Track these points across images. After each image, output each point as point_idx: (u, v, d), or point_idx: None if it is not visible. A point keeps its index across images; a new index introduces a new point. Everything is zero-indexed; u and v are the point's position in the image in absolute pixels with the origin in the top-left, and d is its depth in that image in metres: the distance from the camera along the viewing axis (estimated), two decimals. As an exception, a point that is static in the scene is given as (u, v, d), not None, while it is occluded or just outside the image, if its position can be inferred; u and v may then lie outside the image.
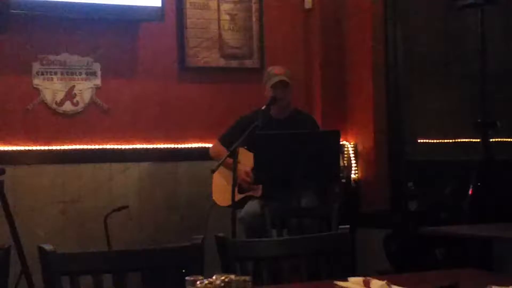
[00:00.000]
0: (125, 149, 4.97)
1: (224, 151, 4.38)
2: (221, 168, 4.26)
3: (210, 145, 4.81)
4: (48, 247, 2.01)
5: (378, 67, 5.23)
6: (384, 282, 1.91)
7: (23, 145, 4.73)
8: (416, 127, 5.34)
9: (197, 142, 5.16)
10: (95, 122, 4.93)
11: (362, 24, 5.30)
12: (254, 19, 5.37)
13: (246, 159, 4.28)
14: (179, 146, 5.13)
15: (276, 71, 4.53)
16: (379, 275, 2.11)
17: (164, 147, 5.09)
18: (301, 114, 4.68)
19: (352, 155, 5.33)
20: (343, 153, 5.25)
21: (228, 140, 4.39)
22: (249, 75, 5.32)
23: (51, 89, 4.83)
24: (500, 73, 4.78)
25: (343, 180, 5.17)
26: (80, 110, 4.91)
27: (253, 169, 4.21)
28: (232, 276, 1.60)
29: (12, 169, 4.65)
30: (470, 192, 4.11)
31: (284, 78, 4.49)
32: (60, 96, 4.85)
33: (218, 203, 4.51)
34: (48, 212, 4.75)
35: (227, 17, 5.30)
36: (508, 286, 1.81)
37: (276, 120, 4.53)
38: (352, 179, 5.30)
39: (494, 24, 4.68)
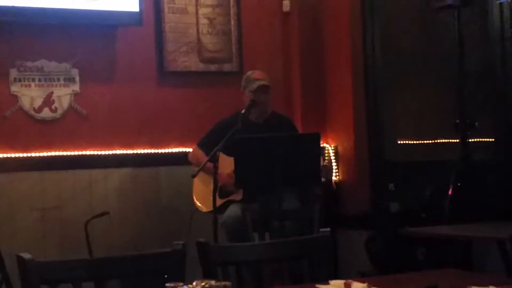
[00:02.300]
0: (105, 155, 4.95)
1: (203, 156, 4.38)
2: (201, 174, 4.25)
3: (190, 150, 4.80)
4: (26, 255, 1.99)
5: (357, 69, 5.25)
6: (365, 285, 1.91)
7: (1, 153, 4.69)
8: (396, 129, 5.36)
9: (177, 146, 5.14)
10: (74, 128, 4.90)
11: (340, 27, 5.32)
12: (232, 23, 5.37)
13: (225, 164, 4.28)
14: (159, 151, 5.11)
15: (256, 76, 4.54)
16: (361, 277, 2.12)
17: (144, 152, 5.07)
18: (279, 117, 4.69)
19: (332, 157, 5.34)
20: (323, 155, 5.26)
21: (207, 145, 4.38)
22: (228, 79, 5.31)
23: (29, 95, 4.80)
24: (478, 74, 4.81)
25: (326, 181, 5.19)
26: (58, 116, 4.87)
27: (234, 173, 4.21)
28: (212, 282, 1.59)
29: (-9, 177, 4.63)
30: (450, 192, 4.13)
31: (266, 83, 4.50)
32: (38, 102, 4.82)
33: (200, 208, 4.51)
34: (28, 219, 4.71)
35: (206, 21, 5.29)
36: (487, 285, 1.82)
37: (254, 124, 4.53)
38: (333, 181, 5.31)
39: (471, 24, 4.71)
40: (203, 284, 1.57)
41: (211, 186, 4.04)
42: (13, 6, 4.60)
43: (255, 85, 4.48)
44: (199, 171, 4.21)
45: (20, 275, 2.00)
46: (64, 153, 4.85)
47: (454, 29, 4.35)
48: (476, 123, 4.27)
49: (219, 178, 4.21)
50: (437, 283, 1.75)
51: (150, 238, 4.90)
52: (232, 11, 5.36)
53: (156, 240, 4.85)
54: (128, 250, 4.67)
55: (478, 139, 4.64)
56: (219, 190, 4.27)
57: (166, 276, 2.08)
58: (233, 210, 4.29)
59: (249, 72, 4.65)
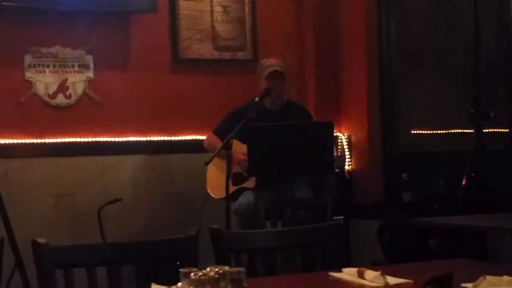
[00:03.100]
0: (118, 142, 4.96)
1: (218, 142, 4.38)
2: (215, 160, 4.25)
3: (204, 137, 4.81)
4: (41, 240, 2.00)
5: (372, 58, 5.23)
6: (378, 273, 1.91)
7: (15, 138, 4.71)
8: (409, 118, 5.34)
9: (191, 134, 5.15)
10: (88, 115, 4.92)
11: (355, 16, 5.29)
12: (247, 10, 5.35)
13: (238, 151, 4.28)
14: (173, 138, 5.12)
15: (270, 63, 4.55)
16: (373, 266, 2.12)
17: (157, 140, 5.07)
18: (295, 105, 4.69)
19: (346, 147, 5.33)
20: (337, 144, 5.26)
21: (222, 132, 4.39)
22: (242, 67, 5.31)
23: (44, 81, 4.81)
24: (493, 64, 4.78)
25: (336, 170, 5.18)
26: (73, 102, 4.89)
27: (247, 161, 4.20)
28: (226, 268, 1.60)
29: (5, 162, 4.65)
30: (463, 182, 4.12)
31: (279, 68, 4.50)
32: (52, 88, 4.83)
33: (212, 195, 4.51)
34: (41, 205, 4.74)
35: (220, 8, 5.28)
36: (501, 275, 1.81)
37: (269, 111, 4.53)
38: (346, 170, 5.30)
39: (487, 13, 4.68)
40: (217, 270, 1.57)
41: (225, 173, 4.04)
42: (28, -8, 4.61)
43: (268, 71, 4.48)
44: (212, 157, 4.21)
45: (35, 260, 2.01)
46: (78, 140, 4.86)
47: (469, 19, 4.31)
48: (491, 113, 4.24)
49: (234, 160, 4.20)
50: (451, 272, 1.74)
51: (163, 225, 4.92)
52: (247, -2, 5.34)
53: (169, 226, 4.86)
54: (141, 236, 4.69)
55: (492, 130, 4.61)
56: (233, 177, 4.27)
57: (178, 262, 2.09)
58: (246, 198, 4.30)
59: (264, 60, 4.67)
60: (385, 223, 4.83)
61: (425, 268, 2.15)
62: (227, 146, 4.02)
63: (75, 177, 4.84)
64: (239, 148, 4.26)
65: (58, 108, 4.85)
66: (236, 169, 4.38)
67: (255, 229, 3.33)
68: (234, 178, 4.34)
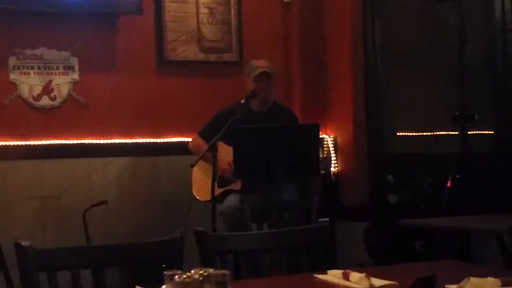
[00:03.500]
0: (104, 144, 4.95)
1: (203, 145, 4.38)
2: (201, 163, 4.25)
3: (189, 139, 4.80)
4: (25, 242, 1.99)
5: (357, 60, 5.24)
6: (363, 275, 1.91)
7: (0, 141, 4.68)
8: (395, 120, 5.36)
9: (177, 136, 5.14)
10: (73, 117, 4.90)
11: (341, 18, 5.31)
12: (233, 12, 5.35)
13: (225, 154, 4.28)
14: (159, 140, 5.11)
15: (258, 64, 4.57)
16: (359, 268, 2.12)
17: (143, 142, 5.06)
18: (280, 107, 4.69)
19: (331, 149, 5.34)
20: (322, 146, 5.26)
21: (208, 134, 4.39)
22: (228, 68, 5.31)
23: (28, 83, 4.79)
24: (479, 66, 4.81)
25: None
26: (57, 104, 4.87)
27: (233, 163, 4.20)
28: (211, 270, 1.59)
29: (-11, 165, 4.62)
30: (448, 184, 4.13)
31: (268, 70, 4.51)
32: (37, 90, 4.81)
33: (198, 197, 4.51)
34: (26, 207, 4.71)
35: (206, 10, 5.28)
36: (485, 277, 1.82)
37: (256, 113, 4.53)
38: (331, 172, 5.31)
39: (472, 15, 4.70)
40: (201, 272, 1.57)
41: (210, 176, 4.03)
42: (12, -6, 4.59)
43: (257, 72, 4.49)
44: (198, 160, 4.21)
45: (19, 262, 2.00)
46: (63, 142, 4.84)
47: (455, 21, 4.33)
48: (476, 115, 4.26)
49: (218, 166, 4.20)
50: (435, 273, 1.74)
51: (149, 227, 4.91)
52: (233, 0, 5.34)
53: (155, 229, 4.85)
54: (126, 239, 4.67)
55: (477, 132, 4.63)
56: (218, 179, 4.27)
57: (163, 265, 2.08)
58: (232, 200, 4.29)
59: (253, 61, 4.68)
60: (370, 225, 4.84)
61: (410, 270, 2.16)
62: (213, 149, 4.01)
63: (60, 180, 4.82)
64: (225, 151, 4.25)
65: (43, 110, 4.83)
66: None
67: (240, 231, 3.32)
68: (219, 180, 4.33)
